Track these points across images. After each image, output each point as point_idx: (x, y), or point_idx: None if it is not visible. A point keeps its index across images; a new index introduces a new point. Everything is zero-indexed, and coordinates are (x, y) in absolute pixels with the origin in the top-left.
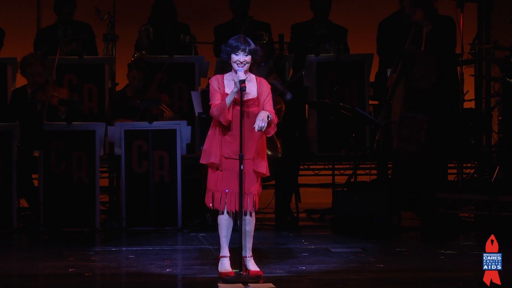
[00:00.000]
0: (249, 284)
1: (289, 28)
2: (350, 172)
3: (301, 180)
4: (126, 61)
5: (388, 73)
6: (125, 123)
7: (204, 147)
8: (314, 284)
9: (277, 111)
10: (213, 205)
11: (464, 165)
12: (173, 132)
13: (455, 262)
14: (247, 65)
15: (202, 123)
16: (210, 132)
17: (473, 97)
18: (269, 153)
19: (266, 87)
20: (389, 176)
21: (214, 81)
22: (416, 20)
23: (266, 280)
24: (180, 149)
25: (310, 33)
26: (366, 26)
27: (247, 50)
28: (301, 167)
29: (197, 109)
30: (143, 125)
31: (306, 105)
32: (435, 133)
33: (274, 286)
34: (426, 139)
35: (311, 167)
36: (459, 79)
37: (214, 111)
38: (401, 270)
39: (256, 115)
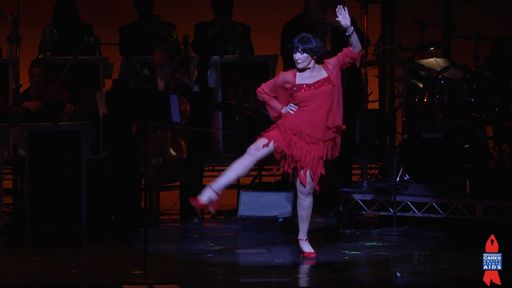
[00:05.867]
0: (153, 285)
1: (193, 29)
2: (255, 173)
3: (205, 180)
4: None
5: None
6: (29, 125)
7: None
8: (219, 285)
9: (182, 112)
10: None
11: (368, 165)
12: (77, 134)
13: (359, 263)
14: (304, 63)
15: (106, 125)
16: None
17: (377, 98)
18: (174, 153)
19: (329, 60)
20: None
21: (285, 75)
22: (325, 21)
23: (170, 281)
24: (84, 151)
25: (213, 32)
26: (271, 27)
27: (300, 48)
28: (206, 168)
29: (102, 110)
30: (47, 126)
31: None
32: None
33: (179, 287)
34: None
35: (216, 168)
36: (363, 80)
37: (263, 95)
38: (305, 271)
39: (327, 92)
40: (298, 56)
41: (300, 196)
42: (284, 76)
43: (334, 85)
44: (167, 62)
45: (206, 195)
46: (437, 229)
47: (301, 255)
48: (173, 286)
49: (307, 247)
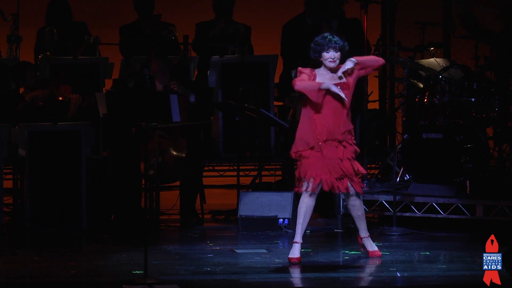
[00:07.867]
0: (153, 285)
1: (194, 29)
2: (255, 173)
3: (206, 181)
4: None
5: (293, 74)
6: (29, 124)
7: (299, 136)
8: (219, 285)
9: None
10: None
11: (369, 165)
12: (77, 133)
13: (359, 263)
14: (337, 61)
15: (106, 125)
16: (301, 121)
17: (377, 98)
18: (174, 153)
19: (348, 63)
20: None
21: (305, 71)
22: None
23: (170, 281)
24: (85, 151)
25: (214, 33)
26: (271, 26)
27: (337, 47)
28: (205, 168)
29: (102, 110)
30: (47, 126)
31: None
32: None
33: (179, 287)
34: None
35: (216, 168)
36: (363, 80)
37: (302, 85)
38: (305, 270)
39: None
40: (333, 54)
41: (350, 199)
42: (305, 72)
43: (349, 91)
44: (164, 68)
45: (297, 250)
46: (437, 229)
47: (363, 251)
48: (173, 286)
49: (371, 246)
